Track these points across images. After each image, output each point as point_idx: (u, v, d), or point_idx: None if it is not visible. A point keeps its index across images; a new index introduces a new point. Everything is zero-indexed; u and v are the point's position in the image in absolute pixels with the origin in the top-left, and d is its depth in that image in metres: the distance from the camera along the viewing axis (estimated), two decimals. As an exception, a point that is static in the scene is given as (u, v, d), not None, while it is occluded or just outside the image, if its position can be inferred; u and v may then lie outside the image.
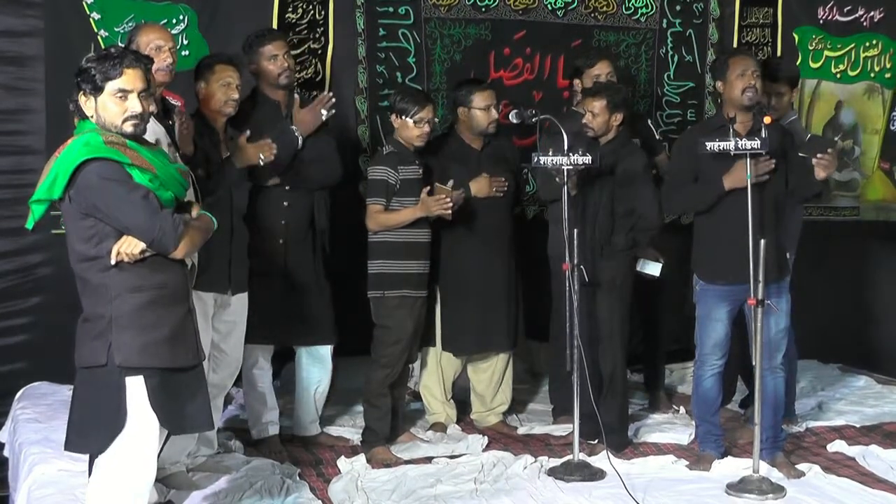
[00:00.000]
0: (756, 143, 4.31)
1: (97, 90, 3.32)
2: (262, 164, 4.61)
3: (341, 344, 5.08)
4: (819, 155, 4.46)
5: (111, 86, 3.31)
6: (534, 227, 5.95)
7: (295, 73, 5.16)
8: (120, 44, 5.07)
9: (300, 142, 4.86)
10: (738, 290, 4.51)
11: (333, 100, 5.02)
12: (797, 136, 5.02)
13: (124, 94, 3.32)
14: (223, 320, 4.56)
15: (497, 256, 5.23)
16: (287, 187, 4.86)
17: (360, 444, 4.94)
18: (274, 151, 4.64)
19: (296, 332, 4.95)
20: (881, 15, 6.96)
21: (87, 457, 3.53)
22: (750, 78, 4.54)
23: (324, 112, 4.94)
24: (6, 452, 5.01)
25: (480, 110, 5.14)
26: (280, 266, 4.85)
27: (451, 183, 4.88)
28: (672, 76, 6.50)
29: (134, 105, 3.33)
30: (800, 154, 4.52)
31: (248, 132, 4.62)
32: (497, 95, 5.41)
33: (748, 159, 4.36)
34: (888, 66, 7.03)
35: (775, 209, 4.58)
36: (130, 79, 3.32)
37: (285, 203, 4.87)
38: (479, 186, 5.08)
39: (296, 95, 4.96)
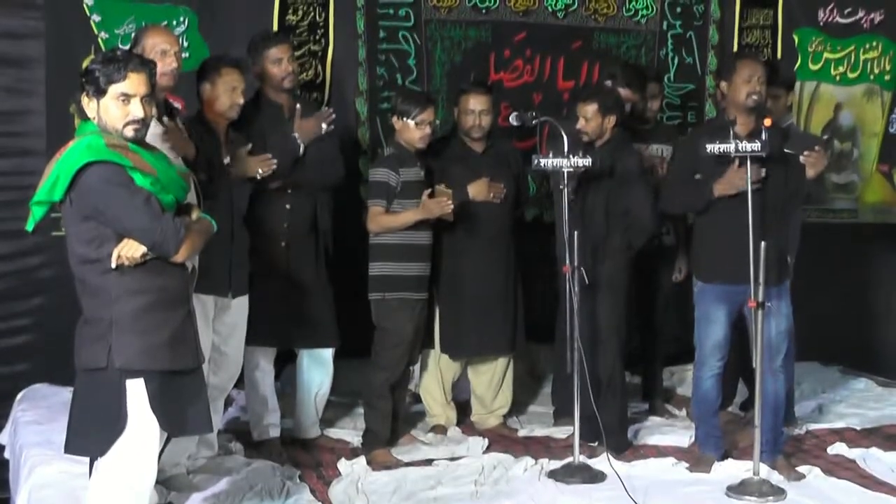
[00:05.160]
0: (756, 146, 4.32)
1: (100, 92, 3.31)
2: (259, 177, 4.64)
3: (342, 346, 5.08)
4: (806, 153, 4.46)
5: (114, 89, 3.30)
6: (533, 228, 5.96)
7: (298, 77, 5.17)
8: (122, 46, 5.09)
9: (301, 149, 4.87)
10: (737, 291, 4.51)
11: (333, 115, 5.03)
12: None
13: (127, 98, 3.31)
14: (223, 323, 4.55)
15: (496, 259, 5.23)
16: (289, 190, 4.87)
17: (360, 446, 4.93)
18: (273, 167, 4.67)
19: (298, 334, 4.95)
20: (881, 17, 6.97)
21: (87, 459, 3.52)
22: (756, 84, 4.54)
23: (323, 126, 4.95)
24: (7, 454, 5.01)
25: (464, 114, 5.16)
26: (282, 268, 4.85)
27: (441, 186, 4.88)
28: (672, 78, 6.50)
29: (136, 110, 3.32)
30: (785, 150, 4.52)
31: (249, 145, 4.63)
32: (497, 97, 5.42)
33: (748, 162, 4.36)
34: (888, 68, 7.03)
35: (776, 212, 4.59)
36: (134, 83, 3.31)
37: (287, 206, 4.87)
38: (478, 189, 5.08)
39: (297, 106, 4.95)
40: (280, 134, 4.85)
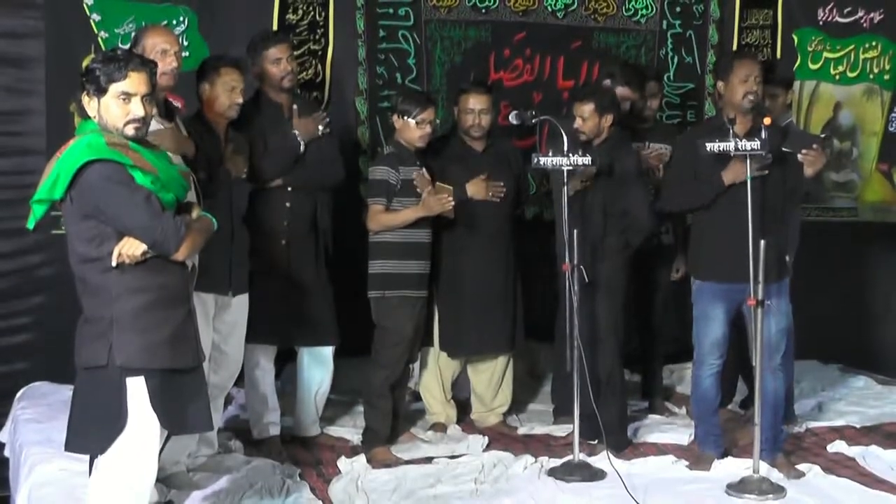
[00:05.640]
0: (756, 144, 4.32)
1: (101, 91, 3.32)
2: (243, 177, 4.61)
3: (342, 344, 5.08)
4: (804, 151, 4.47)
5: (115, 88, 3.31)
6: (533, 227, 5.96)
7: (298, 77, 5.17)
8: (122, 45, 5.09)
9: (302, 147, 4.88)
10: (735, 289, 4.52)
11: (327, 119, 5.03)
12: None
13: (127, 97, 3.32)
14: (224, 321, 4.56)
15: (496, 258, 5.23)
16: (289, 188, 4.87)
17: (360, 444, 4.94)
18: (244, 170, 4.62)
19: (298, 332, 4.95)
20: (881, 16, 6.97)
21: (87, 457, 3.53)
22: (752, 83, 4.55)
23: (320, 127, 4.96)
24: (7, 452, 5.02)
25: (464, 113, 5.17)
26: (283, 267, 4.86)
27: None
28: (672, 77, 6.51)
29: (136, 109, 3.33)
30: (783, 149, 4.52)
31: (231, 146, 4.60)
32: (497, 97, 5.43)
33: (748, 161, 4.37)
34: (887, 67, 7.04)
35: (774, 210, 4.59)
36: (134, 82, 3.32)
37: (288, 204, 4.88)
38: (476, 188, 5.09)
39: (294, 106, 4.96)
40: (280, 133, 4.86)
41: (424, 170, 4.93)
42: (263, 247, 4.78)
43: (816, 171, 4.55)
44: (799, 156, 4.47)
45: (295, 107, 4.95)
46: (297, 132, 4.88)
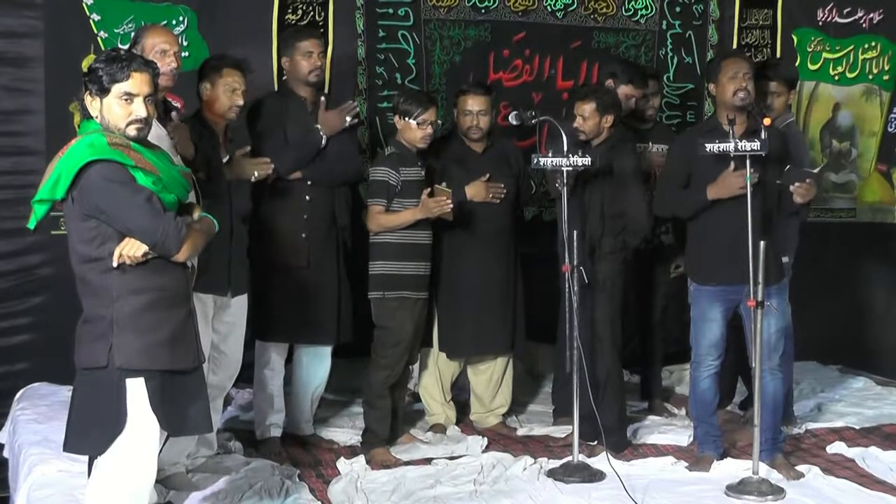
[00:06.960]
0: (756, 145, 4.32)
1: (103, 91, 3.32)
2: (253, 180, 4.59)
3: (341, 344, 5.08)
4: (797, 184, 4.48)
5: (117, 88, 3.31)
6: (534, 228, 5.96)
7: (325, 74, 5.18)
8: (121, 45, 5.09)
9: (324, 141, 4.88)
10: (732, 290, 4.52)
11: (357, 108, 5.06)
12: (794, 137, 5.05)
13: (130, 97, 3.31)
14: (223, 322, 4.55)
15: (496, 259, 5.23)
16: (309, 182, 4.88)
17: (359, 445, 4.93)
18: (269, 171, 4.61)
19: (310, 330, 4.93)
20: (880, 17, 6.97)
21: (86, 457, 3.52)
22: (741, 80, 4.55)
23: (347, 118, 4.97)
24: (6, 453, 5.01)
25: (463, 114, 5.18)
26: (304, 263, 4.86)
27: (442, 185, 4.88)
28: (671, 78, 6.51)
29: (139, 109, 3.32)
30: (777, 182, 4.54)
31: (248, 148, 4.60)
32: (496, 97, 5.42)
33: (748, 162, 4.36)
34: (886, 68, 7.04)
35: (770, 213, 4.59)
36: (137, 83, 3.32)
37: (307, 198, 4.89)
38: (476, 190, 5.08)
39: (322, 98, 4.96)
40: (302, 127, 4.87)
41: (444, 185, 4.90)
42: (284, 241, 4.79)
43: (806, 201, 4.57)
44: (791, 187, 4.48)
45: (323, 98, 4.97)
46: (319, 127, 4.88)
